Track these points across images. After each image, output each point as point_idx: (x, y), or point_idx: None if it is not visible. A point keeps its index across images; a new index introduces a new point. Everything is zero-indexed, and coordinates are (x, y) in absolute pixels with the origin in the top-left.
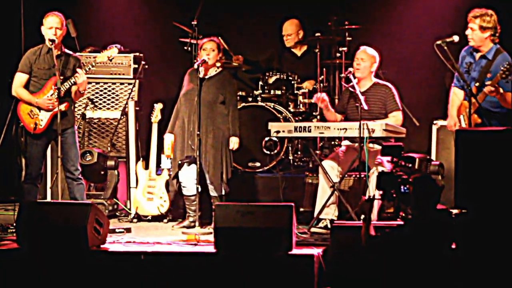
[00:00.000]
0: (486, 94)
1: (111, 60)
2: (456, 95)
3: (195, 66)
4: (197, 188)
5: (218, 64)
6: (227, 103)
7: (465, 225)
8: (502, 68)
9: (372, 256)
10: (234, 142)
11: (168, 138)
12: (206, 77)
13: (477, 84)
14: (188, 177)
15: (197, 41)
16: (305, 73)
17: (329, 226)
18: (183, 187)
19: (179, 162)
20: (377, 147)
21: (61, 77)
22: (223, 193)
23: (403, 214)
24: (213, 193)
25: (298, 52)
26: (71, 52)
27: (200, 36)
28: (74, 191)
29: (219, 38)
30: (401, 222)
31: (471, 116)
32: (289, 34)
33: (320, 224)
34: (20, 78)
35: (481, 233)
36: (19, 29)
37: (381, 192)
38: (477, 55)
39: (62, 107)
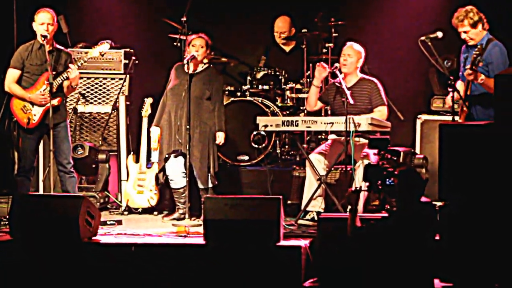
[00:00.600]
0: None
1: (102, 56)
2: (459, 88)
3: (185, 61)
4: (186, 181)
5: (206, 60)
6: (213, 98)
7: (449, 217)
8: (474, 51)
9: (357, 247)
10: (220, 137)
11: (155, 132)
12: (194, 72)
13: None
14: (175, 170)
15: (186, 37)
16: (293, 68)
17: (316, 218)
18: (171, 180)
19: (166, 155)
20: (363, 140)
21: (54, 72)
22: (210, 185)
23: (388, 207)
24: (201, 186)
25: (287, 48)
26: (62, 48)
27: (190, 32)
28: (66, 184)
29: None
30: (386, 214)
31: (462, 106)
32: (282, 31)
33: (307, 216)
34: (12, 74)
35: (465, 225)
36: (11, 25)
37: (367, 183)
38: (471, 48)
39: (55, 101)
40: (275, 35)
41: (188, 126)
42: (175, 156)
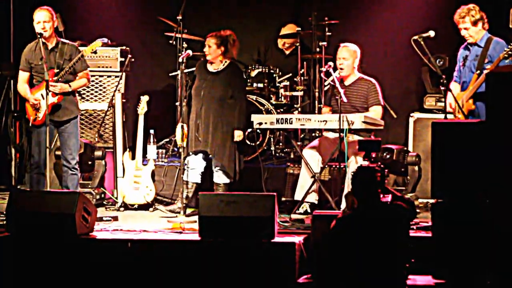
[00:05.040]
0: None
1: (95, 53)
2: (453, 88)
3: (179, 59)
4: (186, 175)
5: (221, 58)
6: (236, 97)
7: (442, 214)
8: (505, 49)
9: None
10: (237, 136)
11: (179, 128)
12: (215, 71)
13: (477, 72)
14: (196, 164)
15: (181, 35)
16: (288, 68)
17: (309, 210)
18: (189, 170)
19: (190, 153)
20: (356, 137)
21: (58, 70)
22: (236, 178)
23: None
24: (219, 180)
25: (287, 52)
26: (67, 41)
27: (185, 31)
28: (67, 180)
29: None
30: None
31: (466, 102)
32: (290, 43)
33: (300, 209)
34: (21, 76)
35: (458, 222)
36: (7, 24)
37: None
38: (471, 46)
39: (54, 99)
40: (279, 41)
41: (197, 121)
42: (196, 154)
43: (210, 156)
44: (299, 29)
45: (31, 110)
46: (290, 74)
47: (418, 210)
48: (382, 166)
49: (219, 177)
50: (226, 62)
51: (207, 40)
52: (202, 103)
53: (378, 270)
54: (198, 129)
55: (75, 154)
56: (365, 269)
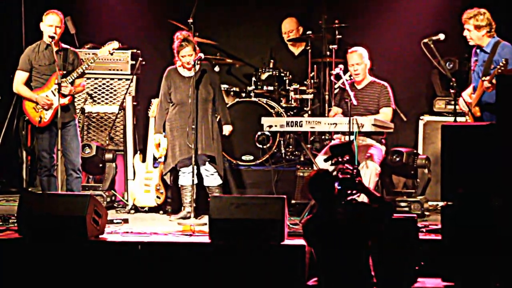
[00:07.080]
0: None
1: (112, 54)
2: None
3: (191, 62)
4: (193, 181)
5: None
6: (216, 96)
7: (452, 216)
8: (499, 65)
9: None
10: (227, 130)
11: (160, 138)
12: (191, 75)
13: (483, 78)
14: (189, 167)
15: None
16: (300, 71)
17: None
18: (183, 175)
19: (178, 161)
20: (369, 141)
21: (64, 72)
22: (221, 182)
23: None
24: (209, 183)
25: (296, 50)
26: (68, 47)
27: (196, 34)
28: (72, 183)
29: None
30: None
31: (473, 109)
32: (290, 31)
33: None
34: (20, 76)
35: (467, 225)
36: (19, 25)
37: None
38: (479, 51)
39: (65, 100)
40: (284, 36)
41: (193, 126)
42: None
43: (210, 156)
44: (310, 32)
45: (34, 112)
46: (306, 83)
47: (427, 213)
48: (353, 167)
49: (215, 180)
50: (197, 62)
51: (183, 52)
52: (188, 109)
53: (341, 270)
54: (188, 135)
55: (79, 157)
56: (330, 270)
